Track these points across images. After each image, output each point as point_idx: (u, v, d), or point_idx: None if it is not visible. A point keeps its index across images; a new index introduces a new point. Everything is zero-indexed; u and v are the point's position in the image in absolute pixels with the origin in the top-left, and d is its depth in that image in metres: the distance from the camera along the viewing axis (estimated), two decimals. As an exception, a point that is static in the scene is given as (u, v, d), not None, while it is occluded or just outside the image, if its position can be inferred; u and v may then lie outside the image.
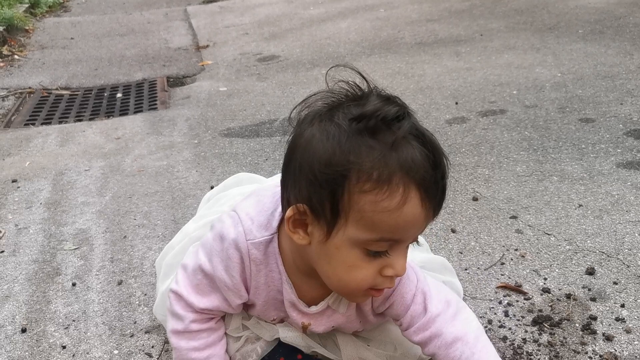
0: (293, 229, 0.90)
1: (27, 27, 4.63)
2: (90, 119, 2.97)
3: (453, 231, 1.71)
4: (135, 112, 3.03)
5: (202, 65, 3.74)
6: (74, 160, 2.42)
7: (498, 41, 3.59)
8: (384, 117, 0.82)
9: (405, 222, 0.84)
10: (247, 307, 1.12)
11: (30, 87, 3.41)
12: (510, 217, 1.76)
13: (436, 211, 0.88)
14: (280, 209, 0.98)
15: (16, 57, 3.98)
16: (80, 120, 2.96)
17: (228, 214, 1.03)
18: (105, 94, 3.35)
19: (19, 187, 2.20)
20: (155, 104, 3.11)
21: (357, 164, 0.82)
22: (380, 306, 1.04)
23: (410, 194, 0.82)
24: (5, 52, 4.00)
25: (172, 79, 3.52)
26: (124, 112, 3.05)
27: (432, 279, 1.08)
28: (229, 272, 1.01)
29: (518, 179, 1.98)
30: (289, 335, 1.12)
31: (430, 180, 0.84)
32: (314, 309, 1.05)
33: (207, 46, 4.08)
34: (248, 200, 1.05)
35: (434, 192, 0.85)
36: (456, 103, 2.69)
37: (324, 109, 0.88)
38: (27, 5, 5.01)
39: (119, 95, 3.32)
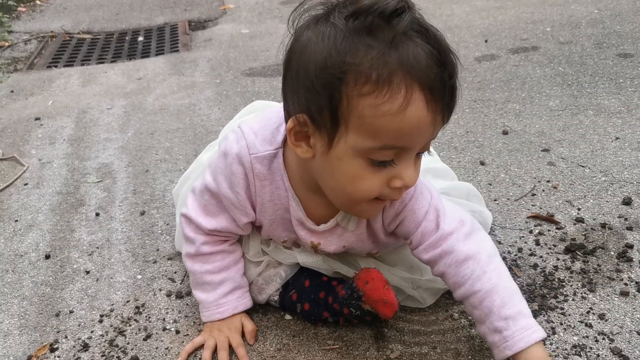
0: (295, 142, 0.86)
1: (48, -26, 4.58)
2: (112, 61, 2.94)
3: (482, 163, 1.66)
4: (157, 55, 2.98)
5: (224, 9, 3.66)
6: (96, 100, 2.40)
7: (531, -20, 3.43)
8: (382, 12, 0.76)
9: (409, 127, 0.77)
10: (257, 229, 1.10)
11: (52, 32, 3.38)
12: (542, 150, 1.69)
13: (445, 115, 0.80)
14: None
15: (38, 2, 3.94)
16: (102, 62, 2.93)
17: (232, 130, 1.00)
18: (127, 38, 3.31)
19: (42, 125, 2.19)
20: (177, 47, 3.06)
21: (355, 65, 0.76)
22: (391, 223, 1.00)
23: (413, 95, 0.76)
24: (27, -2, 3.97)
25: (193, 23, 3.45)
26: (145, 55, 3.01)
27: (447, 200, 1.04)
28: (234, 189, 0.98)
29: (551, 113, 1.90)
30: (308, 260, 1.09)
31: (436, 80, 0.76)
32: (322, 227, 1.01)
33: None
34: (253, 117, 1.02)
35: (440, 93, 0.77)
36: (486, 41, 2.59)
37: (322, 12, 0.82)
38: (47, -48, 4.95)
39: (140, 38, 3.28)
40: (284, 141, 0.95)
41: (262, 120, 0.98)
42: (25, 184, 1.78)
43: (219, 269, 1.10)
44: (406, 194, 0.95)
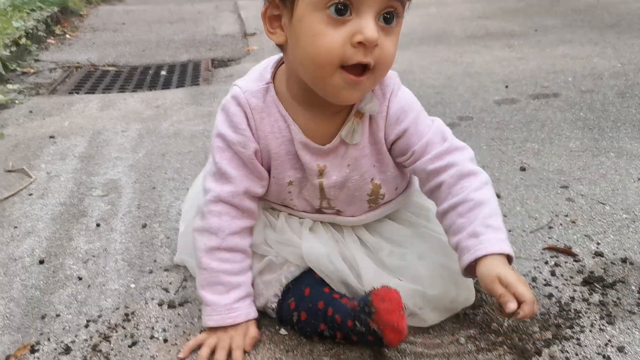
0: (272, 29, 0.95)
1: (81, 13, 4.73)
2: (133, 91, 2.97)
3: (497, 196, 1.59)
4: (177, 87, 3.01)
5: (248, 50, 3.72)
6: (112, 123, 2.40)
7: (553, 36, 3.45)
8: None
9: None
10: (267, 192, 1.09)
11: (78, 63, 3.45)
12: (561, 187, 1.63)
13: None
14: (271, 63, 1.03)
15: (68, 36, 4.05)
16: (123, 91, 2.96)
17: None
18: (150, 72, 3.36)
19: (55, 142, 2.19)
20: (198, 81, 3.09)
21: None
22: (393, 128, 1.00)
23: None
24: (57, 32, 4.08)
25: (216, 61, 3.50)
26: (166, 87, 3.04)
27: None
28: (237, 130, 1.01)
29: (571, 154, 1.85)
30: (314, 249, 1.04)
31: None
32: (327, 146, 1.02)
33: (254, 34, 4.07)
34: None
35: None
36: (506, 86, 2.57)
37: None
38: (83, -7, 5.15)
39: (163, 72, 3.32)
40: (273, 77, 1.03)
41: (250, 73, 1.07)
42: (30, 194, 1.76)
43: (238, 271, 1.06)
44: (394, 89, 1.01)
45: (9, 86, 2.88)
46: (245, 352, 1.03)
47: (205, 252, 1.06)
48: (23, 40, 3.40)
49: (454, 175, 0.98)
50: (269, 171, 1.06)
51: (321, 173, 1.04)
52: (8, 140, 2.22)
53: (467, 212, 0.95)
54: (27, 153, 2.09)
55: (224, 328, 1.04)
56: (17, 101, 2.70)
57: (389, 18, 0.89)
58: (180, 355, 1.04)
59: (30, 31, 3.61)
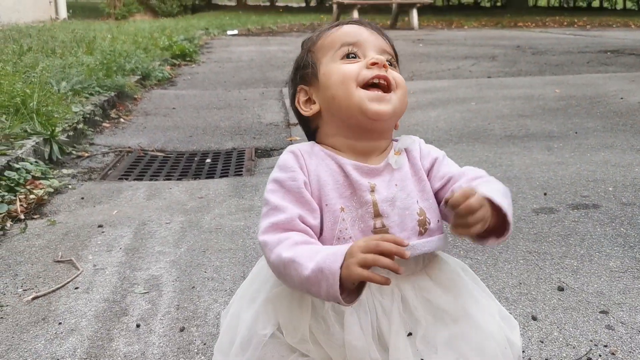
0: (307, 108, 1.13)
1: (135, 96, 4.99)
2: (178, 179, 3.08)
3: (534, 318, 1.58)
4: (221, 177, 3.12)
5: (291, 140, 3.84)
6: (157, 213, 2.49)
7: (594, 139, 3.47)
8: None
9: (349, 30, 1.13)
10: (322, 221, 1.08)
11: (129, 147, 3.62)
12: (600, 312, 1.61)
13: (380, 34, 1.15)
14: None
15: (122, 120, 4.27)
16: (169, 179, 3.08)
17: None
18: (196, 159, 3.49)
19: (103, 232, 2.28)
20: (241, 171, 3.20)
21: (315, 37, 1.17)
22: (426, 157, 1.14)
23: (344, 24, 1.16)
24: (113, 115, 4.30)
25: (260, 150, 3.62)
26: (210, 176, 3.15)
27: None
28: (286, 169, 1.09)
29: (611, 274, 1.83)
30: (355, 345, 1.03)
31: (360, 20, 1.18)
32: (375, 165, 1.11)
33: (297, 124, 4.21)
34: None
35: (365, 23, 1.16)
36: (545, 194, 2.58)
37: None
38: (139, 77, 5.43)
39: (208, 160, 3.45)
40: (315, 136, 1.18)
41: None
42: (76, 288, 1.82)
43: (310, 246, 1.02)
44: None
45: (64, 171, 3.03)
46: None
47: (287, 258, 1.00)
48: (81, 125, 3.60)
49: (475, 179, 1.09)
50: (319, 203, 1.09)
51: (372, 189, 1.09)
52: (59, 228, 2.32)
53: (472, 180, 1.07)
54: (76, 242, 2.18)
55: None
56: (70, 186, 2.84)
57: (387, 61, 1.12)
58: None
59: (88, 116, 3.82)
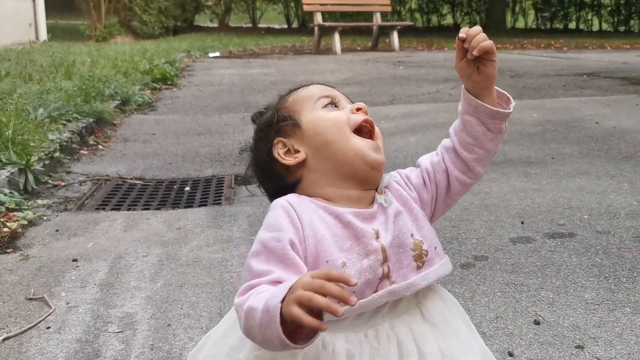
0: (287, 158, 1.12)
1: (114, 122, 4.96)
2: (157, 208, 3.06)
3: (510, 354, 1.58)
4: (199, 205, 3.10)
5: (271, 167, 3.83)
6: (134, 246, 2.46)
7: (570, 165, 3.51)
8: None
9: (321, 87, 1.18)
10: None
11: (107, 175, 3.58)
12: (576, 347, 1.62)
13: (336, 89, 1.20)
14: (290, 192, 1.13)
15: (100, 147, 4.23)
16: (147, 209, 3.05)
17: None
18: (175, 187, 3.47)
19: (77, 267, 2.25)
20: (220, 200, 3.18)
21: (283, 98, 1.20)
22: (407, 179, 1.18)
23: (309, 84, 1.21)
24: (91, 142, 4.27)
25: (239, 178, 3.61)
26: (189, 204, 3.13)
27: None
28: (270, 228, 1.03)
29: (586, 306, 1.84)
30: None
31: (322, 83, 1.21)
32: (371, 209, 1.10)
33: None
34: None
35: (327, 85, 1.21)
36: (522, 222, 2.60)
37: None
38: (118, 102, 5.40)
39: (187, 188, 3.43)
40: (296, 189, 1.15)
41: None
42: (48, 328, 1.79)
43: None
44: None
45: (39, 201, 3.00)
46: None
47: (247, 308, 0.94)
48: (57, 154, 3.56)
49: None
50: (317, 260, 1.04)
51: (377, 235, 1.08)
52: (32, 262, 2.29)
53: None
54: (50, 278, 2.14)
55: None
56: (45, 217, 2.80)
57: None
58: None
59: (65, 143, 3.79)
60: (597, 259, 2.20)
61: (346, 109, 1.15)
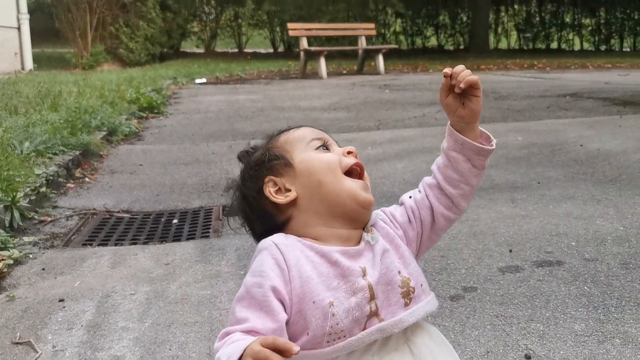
0: (278, 196, 1.14)
1: (101, 153, 4.94)
2: (145, 243, 3.04)
3: (502, 392, 1.58)
4: (187, 239, 3.08)
5: (259, 197, 3.83)
6: (122, 283, 2.44)
7: (556, 190, 3.54)
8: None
9: (311, 129, 1.22)
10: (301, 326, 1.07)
11: (94, 209, 3.56)
12: (567, 382, 1.61)
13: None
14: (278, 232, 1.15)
15: (87, 179, 4.21)
16: (135, 243, 3.03)
17: None
18: (162, 219, 3.45)
19: (64, 307, 2.22)
20: (208, 232, 3.17)
21: (274, 138, 1.23)
22: (393, 216, 1.20)
23: (297, 127, 1.25)
24: (77, 175, 4.25)
25: (227, 208, 3.60)
26: (177, 238, 3.11)
27: None
28: (254, 273, 1.06)
29: (576, 339, 1.84)
30: None
31: (311, 127, 1.25)
32: (358, 247, 1.13)
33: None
34: None
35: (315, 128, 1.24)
36: (510, 251, 2.61)
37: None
38: (105, 133, 5.39)
39: (175, 221, 3.41)
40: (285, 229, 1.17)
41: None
42: (34, 374, 1.76)
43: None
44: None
45: (25, 238, 2.96)
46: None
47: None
48: (43, 189, 3.54)
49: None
50: (302, 302, 1.06)
51: (364, 273, 1.10)
52: (18, 304, 2.26)
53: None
54: (36, 320, 2.11)
55: None
56: (31, 255, 2.77)
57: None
58: None
59: (51, 177, 3.77)
60: (585, 287, 2.21)
61: (337, 151, 1.19)
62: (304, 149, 1.18)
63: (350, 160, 1.17)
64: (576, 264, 2.43)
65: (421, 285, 1.15)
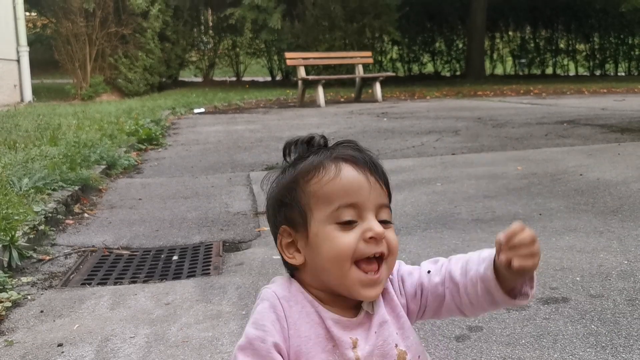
0: (289, 254, 1.11)
1: (100, 187, 4.93)
2: (144, 281, 3.00)
3: None
4: (188, 276, 3.05)
5: (259, 231, 3.81)
6: (121, 326, 2.40)
7: (558, 222, 3.52)
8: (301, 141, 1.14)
9: (349, 184, 1.07)
10: None
11: (93, 246, 3.53)
12: None
13: (375, 176, 1.09)
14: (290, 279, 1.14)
15: (86, 215, 4.19)
16: (134, 282, 3.00)
17: None
18: (162, 256, 3.42)
19: (63, 352, 2.18)
20: (209, 269, 3.14)
21: (300, 171, 1.10)
22: (403, 286, 1.15)
23: (340, 165, 1.09)
24: (76, 211, 4.23)
25: (227, 244, 3.57)
26: (177, 276, 3.08)
27: None
28: (257, 325, 1.06)
29: (585, 382, 1.81)
30: None
31: (357, 156, 1.10)
32: (355, 319, 1.11)
33: (265, 212, 4.19)
34: None
35: (362, 162, 1.09)
36: (515, 287, 2.58)
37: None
38: (104, 166, 5.38)
39: (175, 257, 3.38)
40: (292, 275, 1.15)
41: None
42: None
43: None
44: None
45: (23, 279, 2.93)
46: None
47: None
48: (42, 227, 3.51)
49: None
50: (298, 359, 1.08)
51: (355, 345, 1.09)
52: (17, 349, 2.22)
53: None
54: (34, 367, 2.07)
55: None
56: (29, 297, 2.74)
57: (385, 222, 1.10)
58: None
59: (50, 214, 3.74)
60: (592, 326, 2.18)
61: (359, 231, 1.06)
62: (326, 217, 1.07)
63: (366, 251, 1.07)
64: (582, 300, 2.40)
65: (419, 357, 1.14)
